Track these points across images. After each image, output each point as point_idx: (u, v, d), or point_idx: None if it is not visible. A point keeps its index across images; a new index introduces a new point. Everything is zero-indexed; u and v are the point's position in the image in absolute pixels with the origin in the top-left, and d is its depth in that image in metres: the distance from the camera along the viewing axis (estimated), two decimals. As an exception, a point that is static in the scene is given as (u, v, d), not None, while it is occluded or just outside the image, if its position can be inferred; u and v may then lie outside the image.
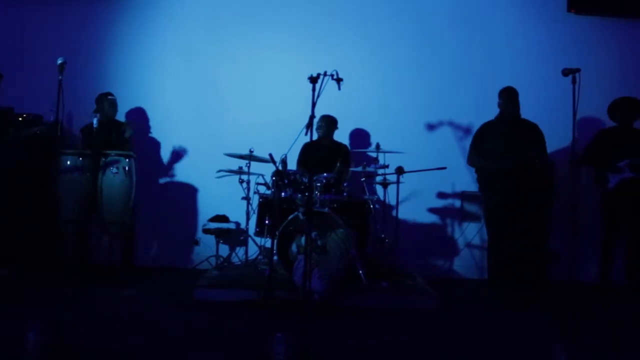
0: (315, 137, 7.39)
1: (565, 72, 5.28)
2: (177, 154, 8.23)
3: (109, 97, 7.45)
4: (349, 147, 7.96)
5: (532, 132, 7.12)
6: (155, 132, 8.30)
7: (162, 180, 8.32)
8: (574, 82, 5.17)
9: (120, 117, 7.86)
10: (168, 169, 8.27)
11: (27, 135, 7.15)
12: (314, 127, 7.57)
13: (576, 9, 8.28)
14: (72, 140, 7.57)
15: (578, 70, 5.21)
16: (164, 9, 8.31)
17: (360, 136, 8.35)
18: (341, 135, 8.00)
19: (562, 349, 4.13)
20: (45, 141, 7.06)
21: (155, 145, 8.28)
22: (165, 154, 8.28)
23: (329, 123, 7.74)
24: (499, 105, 7.20)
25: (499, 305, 6.74)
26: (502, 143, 7.05)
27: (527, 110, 7.16)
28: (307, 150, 7.60)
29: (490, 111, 7.45)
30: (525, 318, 6.15)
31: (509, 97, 7.12)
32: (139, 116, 8.22)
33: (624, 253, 7.50)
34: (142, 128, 8.16)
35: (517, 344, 5.19)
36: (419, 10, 8.40)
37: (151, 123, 8.29)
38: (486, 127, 7.29)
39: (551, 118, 7.11)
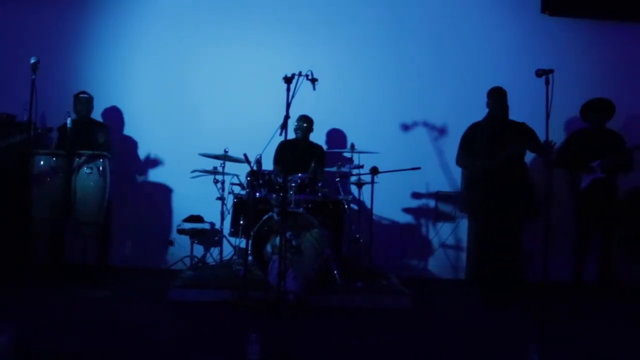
0: (292, 136, 7.40)
1: (539, 73, 5.30)
2: (154, 162, 8.21)
3: (81, 95, 7.43)
4: (324, 147, 7.96)
5: (521, 130, 7.09)
6: (130, 132, 8.26)
7: (136, 180, 8.28)
8: (547, 82, 5.19)
9: (97, 117, 7.85)
10: (142, 170, 8.24)
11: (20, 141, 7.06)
12: (293, 127, 7.63)
13: (550, 10, 8.35)
14: (45, 140, 7.50)
15: (552, 71, 5.22)
16: (138, 7, 8.28)
17: (335, 136, 8.36)
18: (317, 136, 7.99)
19: (538, 349, 4.16)
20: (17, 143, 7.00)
21: (130, 144, 8.24)
22: (140, 154, 8.25)
23: (310, 123, 7.74)
24: (488, 105, 7.18)
25: (475, 305, 6.78)
26: (491, 144, 7.03)
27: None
28: (283, 149, 7.58)
29: (465, 112, 7.51)
30: (500, 318, 6.19)
31: (498, 97, 7.11)
32: (113, 115, 8.19)
33: (597, 253, 7.55)
34: (115, 127, 8.13)
35: (494, 344, 5.22)
36: (395, 10, 8.43)
37: (125, 122, 8.25)
38: (474, 128, 7.25)
39: (525, 119, 7.13)
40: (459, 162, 7.40)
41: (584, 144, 7.48)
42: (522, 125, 7.14)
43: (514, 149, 6.96)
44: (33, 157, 6.64)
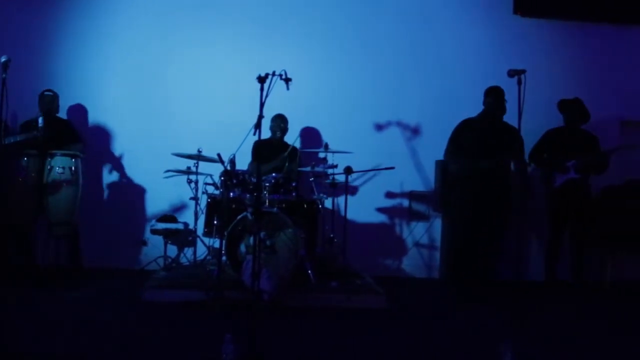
0: (265, 136, 7.39)
1: (511, 73, 5.33)
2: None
3: (46, 93, 7.32)
4: (297, 147, 7.96)
5: (512, 136, 6.85)
6: (102, 131, 8.19)
7: (109, 180, 8.23)
8: (519, 83, 5.22)
9: (62, 114, 7.74)
10: (114, 167, 8.22)
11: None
12: (270, 126, 7.61)
13: (521, 11, 8.41)
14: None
15: (523, 71, 5.26)
16: (111, 6, 8.20)
17: (309, 136, 8.34)
18: (290, 135, 7.97)
19: (512, 346, 4.19)
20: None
21: (102, 144, 8.17)
22: (113, 153, 8.20)
23: (286, 123, 7.74)
24: (485, 103, 7.04)
25: (449, 304, 6.80)
26: (482, 143, 6.95)
27: (474, 111, 7.17)
28: (259, 149, 7.53)
29: (438, 111, 7.56)
30: (475, 316, 6.22)
31: (497, 96, 6.94)
32: (83, 114, 8.14)
33: (568, 251, 7.61)
34: (84, 126, 8.09)
35: (468, 342, 5.26)
36: (368, 11, 8.44)
37: (98, 122, 8.18)
38: (467, 124, 7.14)
39: (497, 118, 7.18)
40: (446, 156, 7.29)
41: (558, 143, 7.53)
42: (515, 131, 7.02)
43: (506, 157, 6.93)
44: (8, 159, 6.59)
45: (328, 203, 7.83)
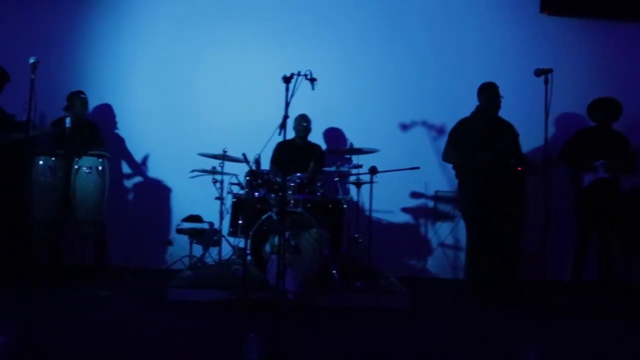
0: (291, 136, 7.44)
1: (538, 73, 5.31)
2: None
3: (81, 95, 7.42)
4: (322, 147, 7.96)
5: (508, 130, 7.06)
6: (128, 132, 8.25)
7: (134, 180, 8.28)
8: (546, 82, 5.21)
9: (92, 115, 7.82)
10: (139, 170, 8.26)
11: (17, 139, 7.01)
12: (293, 126, 7.63)
13: (548, 10, 8.36)
14: (44, 140, 7.51)
15: (550, 70, 5.24)
16: (137, 8, 8.27)
17: (334, 136, 8.35)
18: (315, 135, 7.99)
19: (537, 348, 4.16)
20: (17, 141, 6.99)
21: (128, 144, 8.23)
22: (138, 154, 8.25)
23: (309, 122, 7.77)
24: (480, 100, 7.12)
25: (474, 305, 6.77)
26: (481, 140, 6.96)
27: (501, 111, 7.15)
28: (281, 150, 7.58)
29: (464, 111, 7.47)
30: (499, 317, 6.19)
31: (491, 93, 7.03)
32: (109, 114, 8.20)
33: (597, 251, 7.56)
34: (108, 125, 8.16)
35: (492, 343, 5.23)
36: (393, 10, 8.43)
37: (124, 122, 8.25)
38: (463, 124, 7.18)
39: (524, 118, 7.15)
40: (445, 157, 7.31)
41: (588, 142, 7.47)
42: (511, 126, 7.10)
43: (507, 141, 6.92)
44: (32, 157, 6.65)
45: (353, 203, 7.83)
